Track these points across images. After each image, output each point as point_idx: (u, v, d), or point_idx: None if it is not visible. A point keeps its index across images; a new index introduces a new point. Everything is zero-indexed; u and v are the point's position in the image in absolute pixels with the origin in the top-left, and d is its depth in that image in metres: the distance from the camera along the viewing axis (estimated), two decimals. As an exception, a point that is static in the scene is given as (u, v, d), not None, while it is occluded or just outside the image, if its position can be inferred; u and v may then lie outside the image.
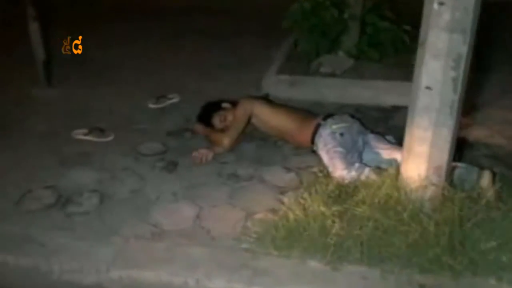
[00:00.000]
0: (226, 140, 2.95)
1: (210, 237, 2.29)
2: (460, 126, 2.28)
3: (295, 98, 3.67)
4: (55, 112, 3.59)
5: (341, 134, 2.77)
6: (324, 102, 3.67)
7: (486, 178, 2.42)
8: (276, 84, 3.80)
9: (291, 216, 2.31)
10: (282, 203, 2.48)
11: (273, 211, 2.43)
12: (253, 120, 3.07)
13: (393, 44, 4.11)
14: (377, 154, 2.77)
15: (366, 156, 2.79)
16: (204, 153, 2.88)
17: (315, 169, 2.74)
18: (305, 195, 2.39)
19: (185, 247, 2.22)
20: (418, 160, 2.22)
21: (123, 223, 2.37)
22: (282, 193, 2.59)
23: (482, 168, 2.52)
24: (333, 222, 2.20)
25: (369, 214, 2.18)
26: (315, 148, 2.87)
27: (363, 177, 2.51)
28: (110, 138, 3.17)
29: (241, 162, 2.89)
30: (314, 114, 3.09)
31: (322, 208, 2.22)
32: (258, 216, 2.41)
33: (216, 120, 3.13)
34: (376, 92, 3.67)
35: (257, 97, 3.25)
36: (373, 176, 2.48)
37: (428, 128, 2.14)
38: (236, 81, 4.14)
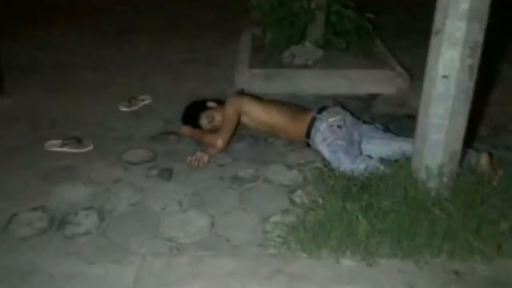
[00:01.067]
0: (220, 141, 2.82)
1: (232, 246, 2.18)
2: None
3: (271, 92, 3.60)
4: (16, 123, 3.26)
5: (339, 127, 2.74)
6: (302, 94, 3.64)
7: (484, 160, 2.51)
8: (250, 78, 3.70)
9: (311, 215, 2.27)
10: (294, 202, 2.42)
11: (288, 211, 2.36)
12: (243, 118, 2.97)
13: (357, 32, 4.15)
14: (375, 144, 2.78)
15: (364, 147, 2.79)
16: (200, 156, 2.74)
17: (316, 164, 2.70)
18: (322, 192, 2.35)
19: (210, 259, 2.09)
20: (434, 148, 2.24)
21: (133, 240, 2.20)
22: (291, 192, 2.53)
23: (478, 150, 2.61)
24: (357, 217, 2.17)
25: (393, 207, 2.17)
26: (310, 143, 2.83)
27: (371, 169, 2.51)
28: (90, 147, 2.94)
29: (239, 163, 2.79)
30: (305, 107, 3.04)
31: (347, 205, 2.18)
32: (275, 218, 2.33)
33: (204, 121, 2.99)
34: (352, 82, 3.69)
35: (244, 93, 3.14)
36: (382, 168, 2.49)
37: (445, 116, 2.17)
38: (206, 77, 4.02)
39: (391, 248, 2.09)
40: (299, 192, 2.52)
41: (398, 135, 2.85)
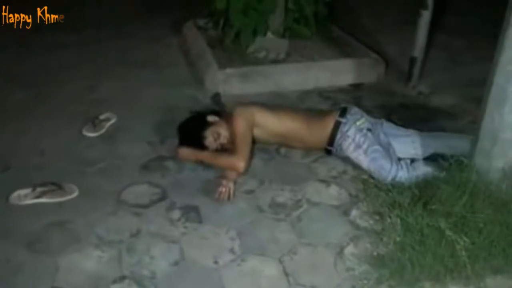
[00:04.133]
0: (241, 163, 2.38)
1: (322, 294, 1.82)
2: None
3: (250, 92, 3.24)
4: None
5: (369, 130, 2.48)
6: (283, 91, 3.32)
7: None
8: (225, 80, 3.26)
9: (388, 238, 2.00)
10: (358, 226, 2.13)
11: (358, 238, 2.07)
12: (254, 131, 2.56)
13: (315, 17, 3.89)
14: (401, 143, 2.57)
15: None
16: (229, 187, 2.29)
17: (352, 174, 2.43)
18: (381, 208, 2.10)
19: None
20: (506, 146, 2.09)
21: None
22: (345, 213, 2.22)
23: None
24: (449, 236, 1.95)
25: (483, 217, 1.98)
26: (334, 150, 2.53)
27: (421, 174, 2.30)
28: (75, 193, 2.30)
29: (267, 186, 2.40)
30: (321, 111, 2.72)
31: (442, 224, 1.94)
32: (349, 249, 2.01)
33: (210, 140, 2.51)
34: (332, 73, 3.44)
35: (248, 103, 2.70)
36: (436, 172, 2.29)
37: (521, 112, 2.01)
38: (163, 81, 3.46)
39: (496, 265, 1.90)
40: (354, 212, 2.22)
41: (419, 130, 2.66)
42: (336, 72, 3.44)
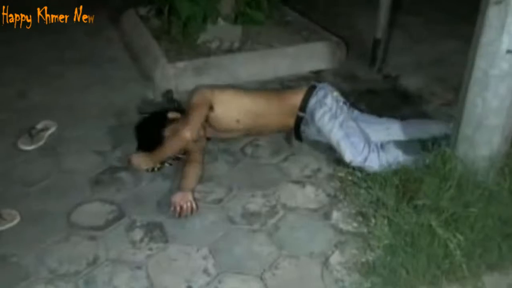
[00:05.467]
0: (187, 131, 2.24)
1: (312, 313, 1.71)
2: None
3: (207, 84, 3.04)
4: None
5: (345, 103, 2.39)
6: (242, 83, 3.15)
7: None
8: (176, 75, 3.06)
9: (374, 242, 1.92)
10: (341, 231, 2.03)
11: (343, 244, 1.96)
12: (213, 116, 2.40)
13: (267, 0, 3.74)
14: (375, 130, 2.47)
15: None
16: (188, 199, 2.10)
17: (327, 171, 2.33)
18: (363, 208, 2.02)
19: None
20: (491, 132, 2.03)
21: None
22: (326, 216, 2.13)
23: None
24: (441, 234, 1.88)
25: (474, 211, 1.92)
26: (305, 120, 2.39)
27: (393, 159, 2.22)
28: (16, 219, 2.06)
29: (236, 192, 2.25)
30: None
31: (433, 222, 1.86)
32: (335, 259, 1.91)
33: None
34: (291, 60, 3.32)
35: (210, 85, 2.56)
36: (404, 155, 2.21)
37: (506, 97, 1.96)
38: (104, 80, 3.23)
39: (492, 262, 1.85)
40: (335, 214, 2.12)
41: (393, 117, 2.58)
42: (296, 59, 3.32)
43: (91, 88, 3.13)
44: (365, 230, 2.01)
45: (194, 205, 2.10)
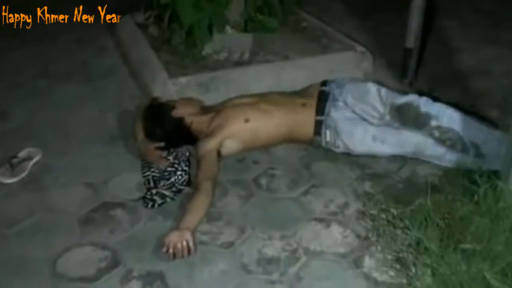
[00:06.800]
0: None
1: None
2: None
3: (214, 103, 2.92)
4: None
5: None
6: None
7: None
8: (179, 92, 2.93)
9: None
10: (377, 282, 1.88)
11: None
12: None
13: (281, 4, 3.62)
14: None
15: None
16: (185, 239, 1.95)
17: (354, 206, 2.20)
18: (423, 256, 1.87)
19: None
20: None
21: None
22: (356, 263, 1.97)
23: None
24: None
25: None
26: (326, 120, 2.50)
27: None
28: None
29: (250, 234, 2.10)
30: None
31: (486, 273, 1.72)
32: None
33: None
34: (310, 72, 3.15)
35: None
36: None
37: None
38: (96, 97, 3.11)
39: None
40: (368, 261, 1.96)
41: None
42: (315, 72, 3.15)
43: (82, 107, 3.01)
44: (404, 280, 1.86)
45: (191, 244, 1.95)
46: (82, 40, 3.84)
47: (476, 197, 2.02)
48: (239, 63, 3.16)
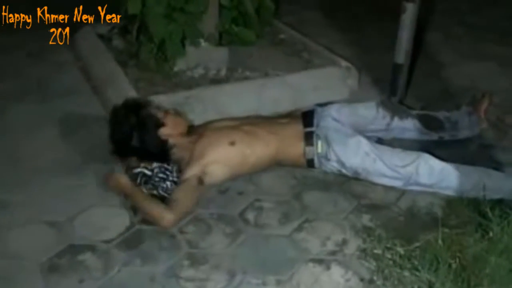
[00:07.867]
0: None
1: None
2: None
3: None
4: None
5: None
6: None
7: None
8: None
9: None
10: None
11: None
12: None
13: (258, 15, 3.50)
14: None
15: None
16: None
17: (354, 243, 2.08)
18: None
19: None
20: None
21: None
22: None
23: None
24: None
25: None
26: (316, 132, 2.44)
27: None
28: None
29: (241, 279, 1.94)
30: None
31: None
32: None
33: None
34: (291, 92, 3.06)
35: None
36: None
37: None
38: (67, 120, 2.92)
39: None
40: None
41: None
42: (297, 90, 3.07)
43: (40, 131, 2.79)
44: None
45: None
46: (35, 53, 3.61)
47: (491, 233, 1.92)
48: (216, 81, 3.02)
